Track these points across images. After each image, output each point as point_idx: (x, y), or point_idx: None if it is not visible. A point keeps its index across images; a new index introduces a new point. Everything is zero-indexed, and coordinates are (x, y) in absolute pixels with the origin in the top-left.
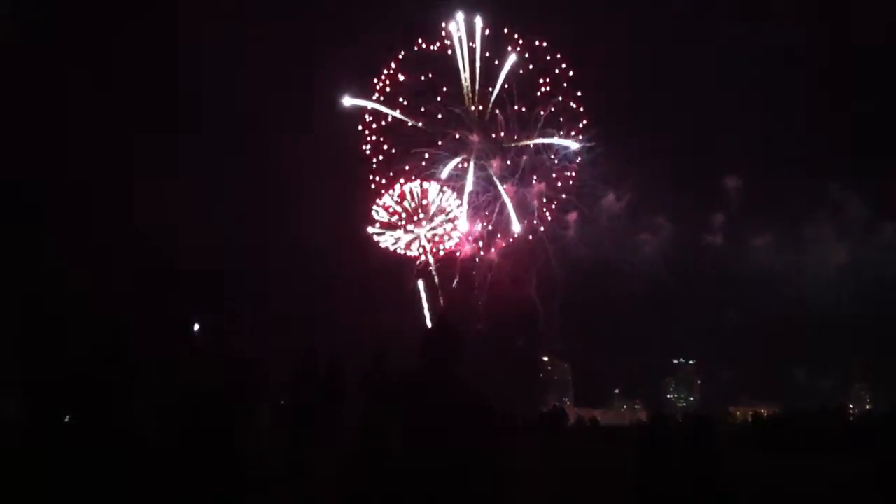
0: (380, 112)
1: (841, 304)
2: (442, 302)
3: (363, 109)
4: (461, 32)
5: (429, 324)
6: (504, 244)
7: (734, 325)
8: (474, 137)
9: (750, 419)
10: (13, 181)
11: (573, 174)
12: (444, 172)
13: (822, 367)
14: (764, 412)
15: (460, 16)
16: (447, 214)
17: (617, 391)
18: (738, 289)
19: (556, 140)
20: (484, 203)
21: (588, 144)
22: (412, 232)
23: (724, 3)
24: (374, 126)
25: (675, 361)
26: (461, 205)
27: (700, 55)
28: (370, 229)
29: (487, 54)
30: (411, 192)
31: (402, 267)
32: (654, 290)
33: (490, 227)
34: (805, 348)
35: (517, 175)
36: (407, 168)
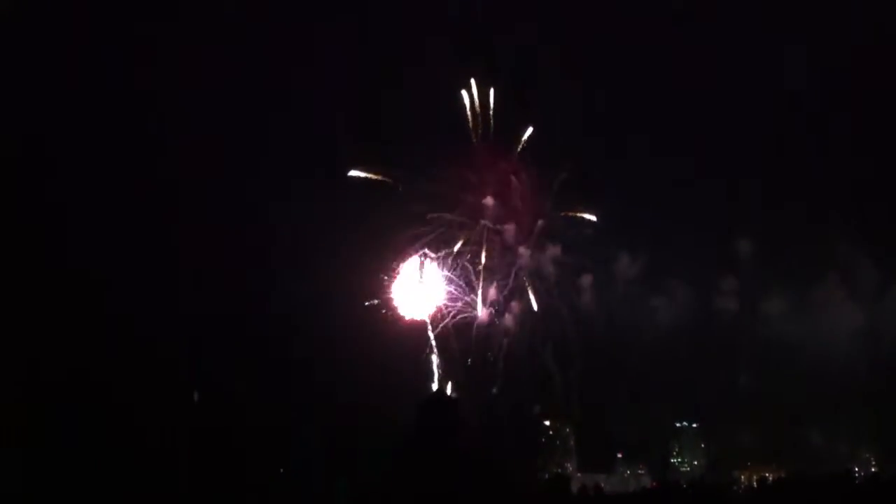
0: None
1: (853, 369)
2: (455, 368)
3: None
4: (475, 99)
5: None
6: (519, 311)
7: (745, 388)
8: (488, 202)
9: (755, 483)
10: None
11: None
12: (456, 247)
13: (831, 430)
14: (769, 476)
15: (473, 84)
16: (462, 285)
17: (620, 456)
18: (749, 352)
19: (573, 214)
20: (500, 270)
21: (601, 216)
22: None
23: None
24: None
25: (678, 424)
26: (479, 274)
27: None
28: (376, 302)
29: (493, 122)
30: (423, 266)
31: (416, 333)
32: (665, 355)
33: (505, 294)
34: (814, 411)
35: (531, 240)
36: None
